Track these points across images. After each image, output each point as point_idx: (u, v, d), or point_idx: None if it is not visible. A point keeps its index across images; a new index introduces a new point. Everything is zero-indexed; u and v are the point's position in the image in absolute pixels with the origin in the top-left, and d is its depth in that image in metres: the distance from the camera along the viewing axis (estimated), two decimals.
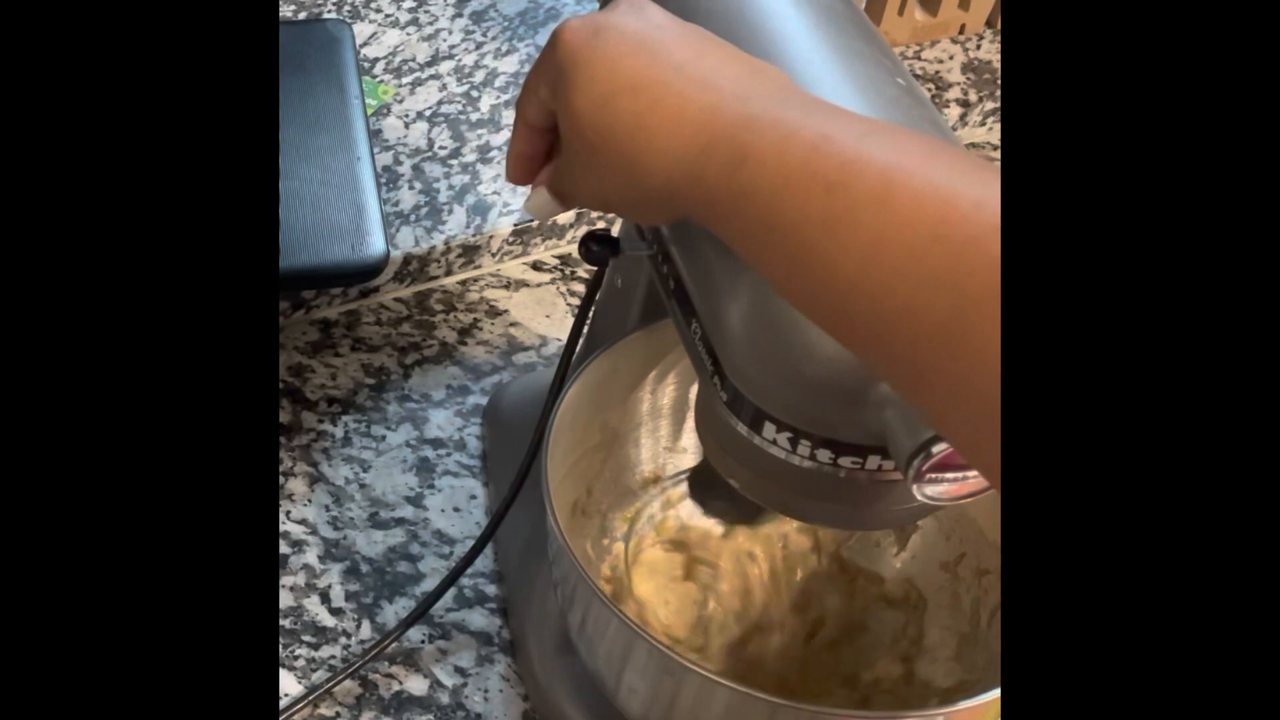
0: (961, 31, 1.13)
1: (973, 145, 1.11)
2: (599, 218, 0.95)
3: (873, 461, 0.52)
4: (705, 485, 0.72)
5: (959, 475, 0.49)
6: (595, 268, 0.68)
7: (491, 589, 0.78)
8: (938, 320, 0.41)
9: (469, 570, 0.74)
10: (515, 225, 0.93)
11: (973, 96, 1.09)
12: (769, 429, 0.53)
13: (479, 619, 0.76)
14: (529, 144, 0.57)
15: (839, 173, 0.44)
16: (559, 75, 0.51)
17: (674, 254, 0.59)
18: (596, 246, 0.63)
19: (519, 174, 0.58)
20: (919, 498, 0.49)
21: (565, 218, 0.94)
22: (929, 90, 1.09)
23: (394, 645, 0.74)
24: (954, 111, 1.08)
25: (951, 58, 1.12)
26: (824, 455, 0.52)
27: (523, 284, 0.94)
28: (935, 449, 0.48)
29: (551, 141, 0.56)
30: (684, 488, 0.74)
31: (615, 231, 0.65)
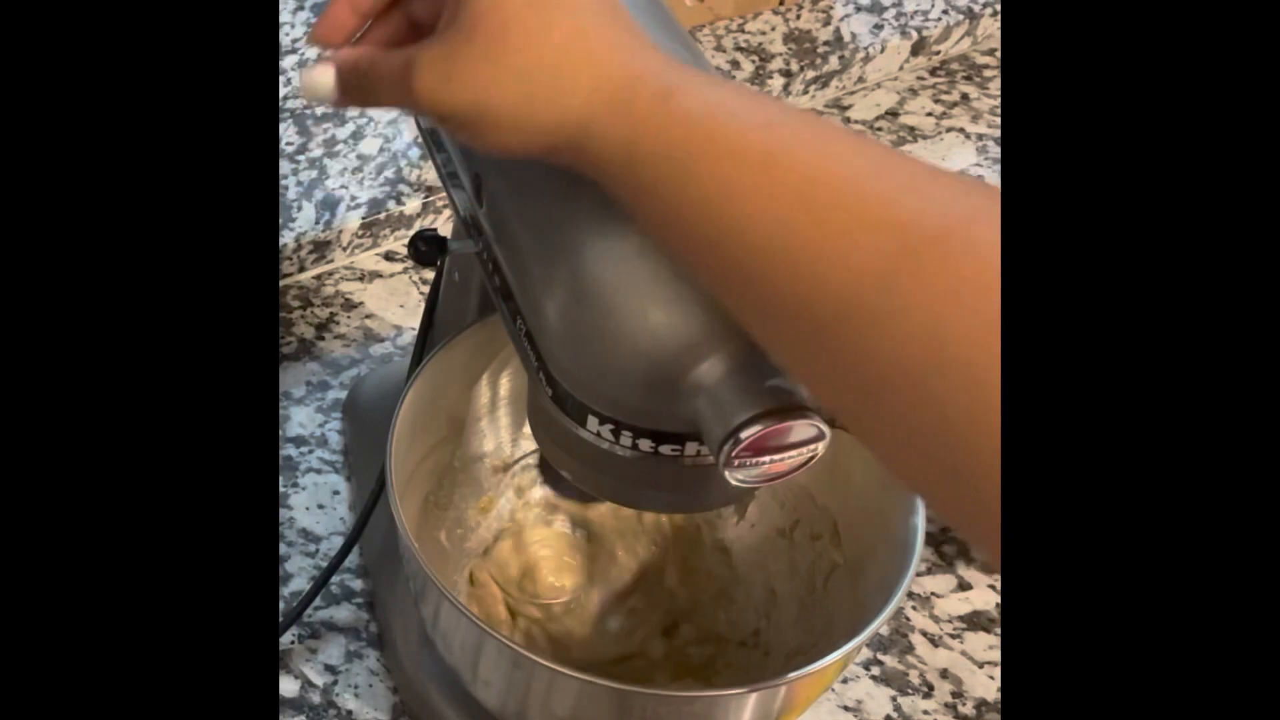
0: (782, 3, 1.16)
1: None
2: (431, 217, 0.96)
3: (691, 448, 0.53)
4: (554, 470, 0.73)
5: (769, 458, 0.50)
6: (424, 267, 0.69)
7: (358, 584, 0.79)
8: (878, 261, 0.40)
9: None
10: (363, 219, 0.93)
11: (794, 66, 1.11)
12: (592, 422, 0.54)
13: (346, 614, 0.77)
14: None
15: (778, 109, 0.44)
16: None
17: (496, 252, 0.59)
18: (425, 246, 0.64)
19: (331, 31, 0.52)
20: (731, 482, 0.51)
21: (412, 209, 0.95)
22: (753, 61, 1.12)
23: None
24: (777, 82, 1.11)
25: (774, 29, 1.15)
26: (645, 445, 0.54)
27: (376, 275, 0.95)
28: (744, 434, 0.49)
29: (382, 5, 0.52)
30: (533, 474, 0.75)
31: (444, 230, 0.66)
